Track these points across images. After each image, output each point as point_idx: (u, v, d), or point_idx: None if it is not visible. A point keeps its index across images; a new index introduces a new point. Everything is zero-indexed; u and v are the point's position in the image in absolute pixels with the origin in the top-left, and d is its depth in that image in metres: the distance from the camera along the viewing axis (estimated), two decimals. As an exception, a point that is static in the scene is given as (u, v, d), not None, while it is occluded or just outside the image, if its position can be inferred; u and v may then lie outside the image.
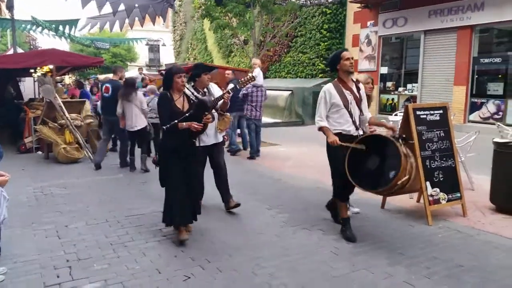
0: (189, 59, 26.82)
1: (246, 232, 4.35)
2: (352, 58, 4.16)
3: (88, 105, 9.78)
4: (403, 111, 5.28)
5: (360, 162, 3.93)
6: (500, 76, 11.36)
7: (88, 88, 15.16)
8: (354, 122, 4.11)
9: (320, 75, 16.07)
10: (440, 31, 12.48)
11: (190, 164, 4.12)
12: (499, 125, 7.74)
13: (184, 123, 3.92)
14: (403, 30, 13.59)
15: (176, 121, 3.90)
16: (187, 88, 4.29)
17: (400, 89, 14.26)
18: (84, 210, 5.09)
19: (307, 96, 15.16)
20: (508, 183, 4.82)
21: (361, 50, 15.24)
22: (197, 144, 4.30)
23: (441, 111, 5.01)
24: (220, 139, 4.98)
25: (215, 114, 4.73)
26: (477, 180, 5.97)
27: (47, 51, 10.28)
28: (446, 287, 3.16)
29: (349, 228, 4.21)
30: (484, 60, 11.61)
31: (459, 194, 4.88)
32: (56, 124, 8.41)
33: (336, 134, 4.05)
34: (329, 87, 4.13)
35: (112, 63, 32.82)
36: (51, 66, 9.46)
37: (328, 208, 4.77)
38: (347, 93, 4.10)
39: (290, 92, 15.87)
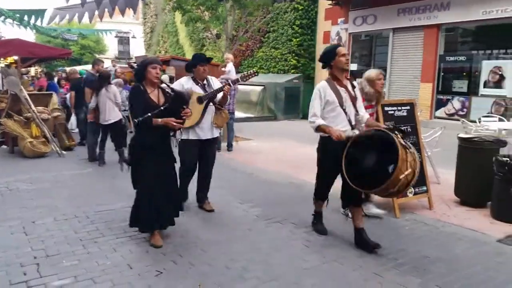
0: (160, 52, 26.41)
1: (218, 227, 4.36)
2: (349, 55, 4.16)
3: (55, 98, 9.49)
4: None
5: (357, 162, 3.63)
6: (464, 74, 11.79)
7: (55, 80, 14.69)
8: (349, 122, 3.86)
9: (292, 71, 16.19)
10: (408, 29, 12.81)
11: (165, 163, 3.86)
12: (463, 121, 8.06)
13: (160, 119, 3.64)
14: (373, 28, 13.87)
15: (149, 114, 3.61)
16: (163, 81, 4.00)
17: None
18: (52, 206, 4.96)
19: (279, 91, 15.25)
20: (472, 177, 5.03)
21: (332, 47, 15.43)
22: (178, 137, 4.06)
23: (408, 107, 5.16)
24: (216, 135, 4.74)
25: (213, 108, 4.58)
26: (442, 174, 6.20)
27: (11, 41, 9.88)
28: (413, 277, 3.27)
29: (320, 221, 4.29)
30: (449, 58, 12.01)
31: (425, 188, 5.05)
32: (21, 118, 8.11)
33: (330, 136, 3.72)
34: (323, 84, 3.89)
35: (80, 55, 31.92)
36: (15, 57, 9.12)
37: (313, 223, 4.36)
38: (341, 90, 3.86)
39: (262, 87, 15.91)
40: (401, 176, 3.33)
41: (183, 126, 3.88)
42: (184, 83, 4.59)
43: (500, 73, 10.84)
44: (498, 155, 4.80)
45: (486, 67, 11.08)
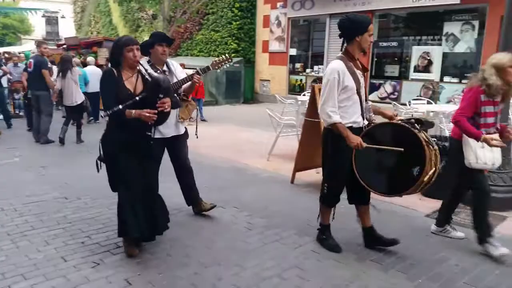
0: (92, 33, 25.02)
1: (159, 213, 4.26)
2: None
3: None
4: (310, 91, 5.51)
5: (369, 160, 3.18)
6: (396, 59, 12.41)
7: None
8: (362, 111, 3.30)
9: (233, 55, 16.09)
10: (344, 15, 13.18)
11: (147, 162, 3.32)
12: (394, 104, 8.51)
13: (133, 111, 3.05)
14: (310, 13, 14.11)
15: (120, 106, 3.02)
16: (142, 65, 3.37)
17: (308, 70, 14.87)
18: (-27, 199, 4.57)
19: (220, 75, 15.12)
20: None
21: (271, 31, 15.52)
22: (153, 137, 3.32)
23: (344, 91, 5.32)
24: (182, 131, 4.01)
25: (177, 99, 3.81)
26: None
27: None
28: (350, 253, 3.44)
29: (330, 235, 3.61)
30: (382, 44, 12.56)
31: (360, 168, 5.27)
32: None
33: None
34: (340, 66, 3.17)
35: (2, 35, 29.38)
36: None
37: (319, 238, 3.66)
38: (358, 73, 3.26)
39: (202, 71, 15.66)
40: (425, 179, 2.97)
41: (164, 119, 3.24)
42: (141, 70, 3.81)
43: (429, 58, 11.54)
44: (425, 135, 5.11)
45: (416, 52, 11.73)
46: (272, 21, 15.40)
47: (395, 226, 4.00)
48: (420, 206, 4.63)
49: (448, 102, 10.36)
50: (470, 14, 10.80)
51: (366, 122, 3.34)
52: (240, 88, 15.77)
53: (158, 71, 3.76)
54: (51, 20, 35.40)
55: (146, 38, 4.06)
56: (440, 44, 11.35)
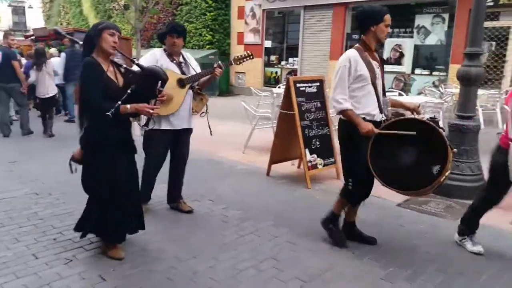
0: (61, 24, 24.28)
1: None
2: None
3: None
4: (285, 83, 5.53)
5: (384, 155, 3.04)
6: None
7: None
8: (379, 104, 3.18)
9: (208, 47, 15.94)
10: (318, 8, 13.25)
11: (131, 160, 3.17)
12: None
13: (128, 105, 2.83)
14: (285, 5, 14.11)
15: (119, 102, 2.78)
16: (119, 53, 3.13)
17: (283, 62, 14.90)
18: None
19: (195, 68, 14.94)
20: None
21: (246, 23, 15.45)
22: (150, 127, 3.08)
23: (318, 84, 5.39)
24: (193, 125, 4.03)
25: (190, 92, 3.91)
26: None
27: None
28: (323, 243, 3.50)
29: (338, 227, 3.55)
30: (356, 36, 12.68)
31: (333, 159, 5.37)
32: None
33: None
34: (353, 55, 3.12)
35: (-35, 25, 28.19)
36: None
37: (326, 225, 3.57)
38: (374, 64, 3.18)
39: (176, 63, 15.46)
40: (442, 179, 2.91)
41: (157, 113, 3.06)
42: (160, 57, 3.78)
43: (400, 50, 11.75)
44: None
45: (388, 45, 11.92)
46: (246, 13, 15.33)
47: (367, 215, 4.09)
48: (391, 195, 4.74)
49: (419, 94, 10.60)
50: (440, 7, 11.04)
51: (383, 117, 3.21)
52: (215, 80, 15.64)
53: (174, 62, 3.81)
54: (18, 10, 34.14)
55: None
56: (412, 37, 11.57)
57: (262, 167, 5.62)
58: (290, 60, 14.62)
